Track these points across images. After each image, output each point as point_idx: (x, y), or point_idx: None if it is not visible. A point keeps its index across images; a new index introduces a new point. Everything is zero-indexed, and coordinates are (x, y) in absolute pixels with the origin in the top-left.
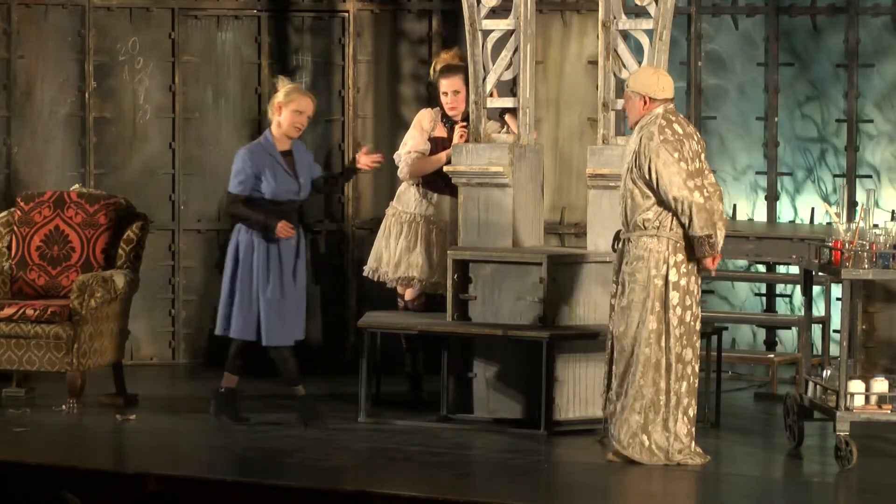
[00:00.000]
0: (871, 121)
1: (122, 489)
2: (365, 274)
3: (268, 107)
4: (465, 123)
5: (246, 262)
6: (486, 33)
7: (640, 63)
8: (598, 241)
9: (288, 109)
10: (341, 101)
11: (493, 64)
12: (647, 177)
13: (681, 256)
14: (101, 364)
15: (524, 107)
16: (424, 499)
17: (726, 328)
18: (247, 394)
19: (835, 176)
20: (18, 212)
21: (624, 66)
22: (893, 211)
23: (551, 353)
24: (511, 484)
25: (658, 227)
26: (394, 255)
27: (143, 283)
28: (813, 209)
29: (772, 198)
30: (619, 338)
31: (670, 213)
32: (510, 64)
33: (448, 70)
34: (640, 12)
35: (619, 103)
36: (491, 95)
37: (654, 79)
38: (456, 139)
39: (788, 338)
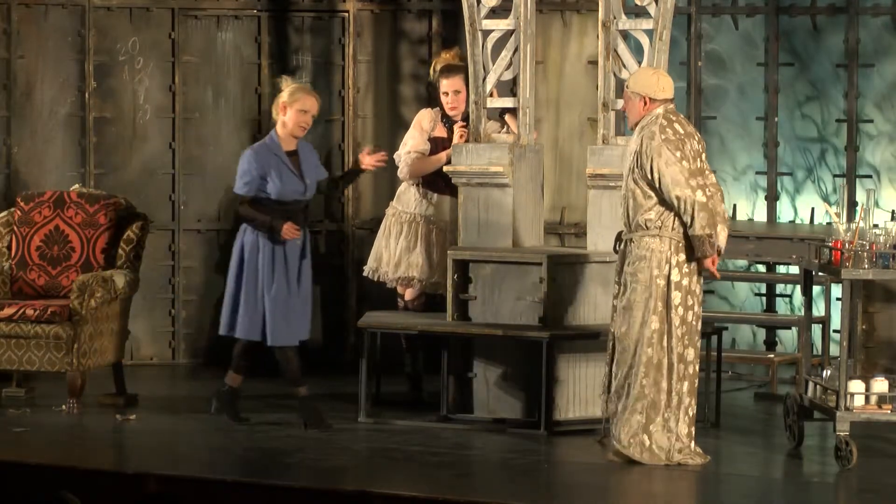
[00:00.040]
0: (871, 121)
1: (122, 489)
2: (365, 274)
3: (272, 107)
4: (464, 123)
5: (251, 262)
6: (486, 33)
7: (640, 63)
8: (598, 241)
9: (293, 109)
10: (341, 101)
11: (493, 64)
12: (649, 177)
13: (683, 256)
14: (101, 364)
15: (524, 107)
16: (424, 499)
17: (726, 328)
18: (247, 394)
19: (835, 176)
20: (18, 212)
21: (624, 66)
22: (893, 211)
23: (551, 353)
24: (511, 484)
25: (660, 227)
26: (394, 255)
27: (143, 283)
28: (813, 209)
29: (772, 198)
30: (621, 338)
31: (672, 213)
32: (510, 64)
33: (449, 70)
34: (640, 12)
35: (620, 103)
36: (491, 95)
37: (653, 79)
38: (456, 139)
39: (788, 338)
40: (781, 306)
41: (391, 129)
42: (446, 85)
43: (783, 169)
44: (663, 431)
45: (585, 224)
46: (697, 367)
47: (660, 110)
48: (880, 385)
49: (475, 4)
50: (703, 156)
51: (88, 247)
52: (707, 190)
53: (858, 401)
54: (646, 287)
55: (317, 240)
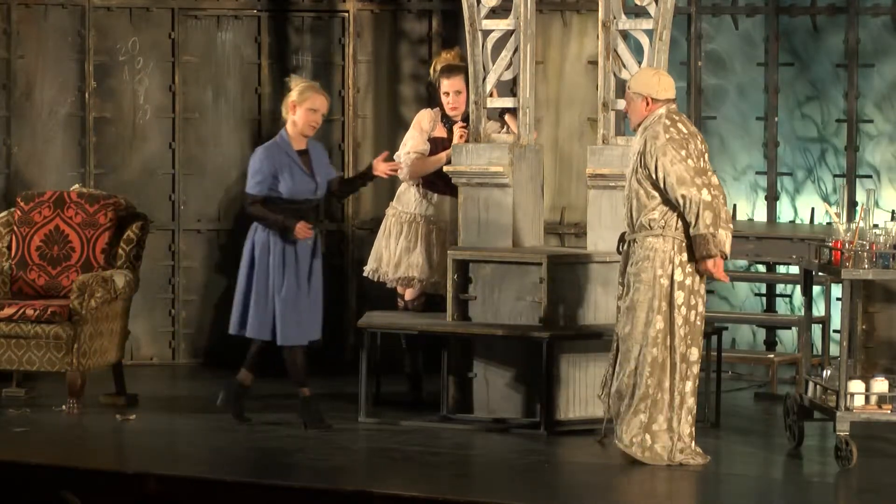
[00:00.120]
0: (871, 121)
1: (122, 489)
2: (365, 274)
3: (281, 106)
4: (464, 124)
5: (262, 261)
6: (486, 33)
7: (640, 63)
8: (598, 241)
9: (302, 108)
10: (341, 101)
11: (493, 64)
12: (653, 176)
13: (686, 256)
14: (101, 364)
15: (524, 107)
16: (424, 499)
17: (726, 328)
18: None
19: (835, 176)
20: (18, 212)
21: (624, 66)
22: (893, 211)
23: (551, 353)
24: (511, 484)
25: (664, 227)
26: (394, 255)
27: (143, 283)
28: (813, 209)
29: (772, 198)
30: (625, 338)
31: (675, 213)
32: (510, 64)
33: (449, 70)
34: (640, 12)
35: (620, 103)
36: (491, 95)
37: (655, 79)
38: (456, 139)
39: (788, 338)
40: (781, 306)
41: (391, 129)
42: (447, 85)
43: (783, 169)
44: (666, 431)
45: (585, 224)
46: (698, 368)
47: (662, 110)
48: (880, 385)
49: (475, 4)
50: (706, 156)
51: (88, 247)
52: (711, 190)
53: (858, 401)
54: (649, 287)
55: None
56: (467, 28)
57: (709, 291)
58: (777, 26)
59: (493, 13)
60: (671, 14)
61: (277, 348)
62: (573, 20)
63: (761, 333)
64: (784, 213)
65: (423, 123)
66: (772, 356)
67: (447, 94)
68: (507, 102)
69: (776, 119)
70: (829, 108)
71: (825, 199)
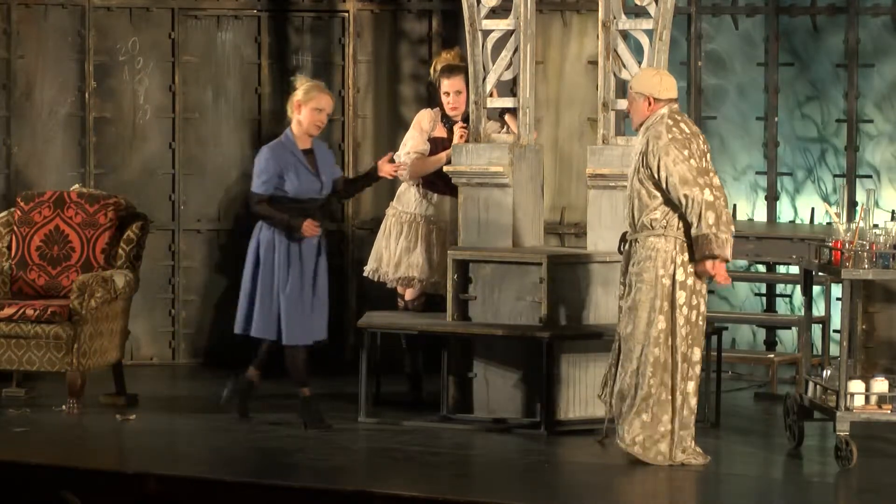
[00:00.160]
0: (871, 121)
1: (122, 489)
2: (365, 274)
3: (287, 105)
4: (465, 124)
5: (267, 260)
6: (486, 33)
7: (640, 63)
8: (598, 241)
9: (307, 107)
10: (341, 101)
11: (493, 64)
12: (655, 176)
13: (688, 256)
14: (101, 364)
15: (524, 107)
16: (424, 499)
17: (726, 328)
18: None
19: (835, 176)
20: (18, 212)
21: (624, 66)
22: (893, 211)
23: (551, 353)
24: (511, 484)
25: (665, 227)
26: (394, 255)
27: (143, 283)
28: (813, 209)
29: (772, 198)
30: (627, 338)
31: (677, 213)
32: (510, 64)
33: (450, 70)
34: (640, 12)
35: (620, 103)
36: (491, 95)
37: (656, 79)
38: (456, 139)
39: (788, 338)
40: (781, 306)
41: (391, 129)
42: (447, 85)
43: (783, 169)
44: (668, 432)
45: (585, 224)
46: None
47: (664, 110)
48: (880, 385)
49: (475, 4)
50: (708, 156)
51: (88, 247)
52: (713, 191)
53: (858, 401)
54: (651, 287)
55: None
56: (467, 28)
57: (709, 291)
58: (777, 26)
59: (493, 13)
60: (671, 14)
61: (279, 347)
62: (573, 20)
63: (761, 333)
64: (784, 213)
65: (423, 123)
66: (772, 356)
67: (447, 94)
68: (507, 102)
69: (776, 119)
70: (829, 108)
71: (825, 199)
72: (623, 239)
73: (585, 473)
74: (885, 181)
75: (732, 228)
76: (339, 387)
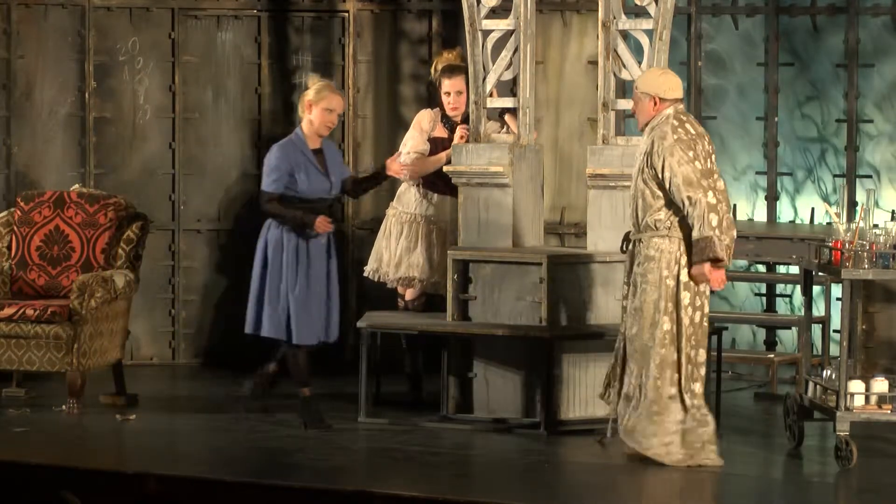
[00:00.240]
0: (871, 121)
1: (122, 489)
2: (365, 274)
3: (298, 104)
4: (466, 125)
5: (275, 259)
6: (486, 33)
7: (640, 63)
8: (598, 241)
9: (318, 108)
10: None
11: (493, 64)
12: (659, 177)
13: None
14: (101, 364)
15: (524, 107)
16: (424, 499)
17: (726, 328)
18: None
19: (835, 176)
20: (18, 212)
21: (624, 66)
22: (893, 211)
23: (551, 353)
24: (511, 484)
25: (669, 228)
26: (394, 255)
27: (143, 283)
28: (813, 209)
29: (772, 198)
30: (633, 340)
31: (680, 214)
32: (510, 64)
33: (451, 70)
34: (640, 12)
35: (620, 103)
36: (491, 95)
37: (662, 79)
38: (456, 140)
39: (788, 338)
40: (781, 306)
41: (391, 129)
42: (448, 85)
43: (783, 169)
44: (679, 433)
45: (585, 224)
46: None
47: (670, 111)
48: (880, 385)
49: (475, 4)
50: (713, 157)
51: (88, 247)
52: (716, 194)
53: (858, 401)
54: (655, 287)
55: None
56: (467, 28)
57: (711, 291)
58: (777, 26)
59: (493, 13)
60: (671, 14)
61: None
62: (573, 20)
63: (761, 333)
64: (784, 213)
65: (423, 123)
66: (772, 356)
67: (448, 94)
68: (507, 102)
69: (776, 119)
70: (829, 108)
71: (825, 199)
72: (626, 239)
73: (585, 473)
74: (885, 181)
75: (734, 233)
76: (339, 387)
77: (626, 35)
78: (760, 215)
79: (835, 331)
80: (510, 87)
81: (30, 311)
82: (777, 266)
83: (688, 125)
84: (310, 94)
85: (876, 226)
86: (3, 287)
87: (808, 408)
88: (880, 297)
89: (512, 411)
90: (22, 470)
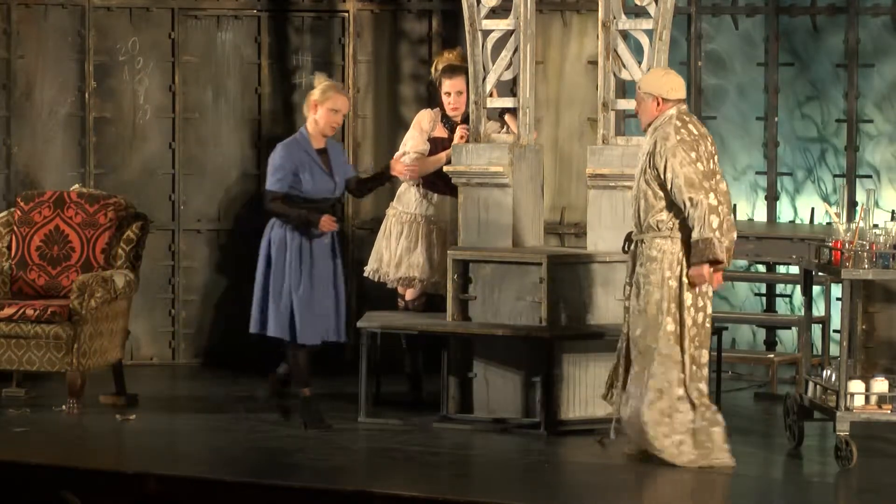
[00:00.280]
0: (871, 121)
1: (122, 489)
2: (365, 274)
3: (304, 103)
4: (467, 126)
5: (279, 258)
6: (486, 33)
7: (640, 63)
8: (598, 241)
9: (324, 108)
10: None
11: (493, 64)
12: (661, 177)
13: None
14: (101, 364)
15: (524, 107)
16: (424, 499)
17: (726, 328)
18: (248, 393)
19: (835, 176)
20: (18, 212)
21: (624, 66)
22: (893, 211)
23: (551, 353)
24: (511, 484)
25: (672, 229)
26: (394, 255)
27: (143, 283)
28: (813, 209)
29: (772, 198)
30: (637, 341)
31: (682, 215)
32: (510, 64)
33: (451, 70)
34: (640, 12)
35: (620, 103)
36: (491, 95)
37: (665, 79)
38: (456, 140)
39: (788, 338)
40: (781, 306)
41: (391, 129)
42: (448, 85)
43: (783, 169)
44: (692, 432)
45: (585, 224)
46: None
47: (672, 111)
48: (880, 385)
49: (475, 4)
50: (716, 158)
51: (88, 247)
52: (717, 195)
53: (858, 401)
54: (658, 288)
55: None
56: (467, 28)
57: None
58: (777, 26)
59: (493, 13)
60: (671, 14)
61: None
62: (573, 20)
63: (761, 333)
64: (784, 213)
65: (423, 123)
66: (772, 356)
67: (448, 94)
68: (507, 102)
69: (776, 119)
70: (829, 108)
71: (825, 199)
72: (628, 239)
73: (585, 473)
74: (885, 181)
75: (734, 235)
76: (339, 387)
77: (626, 35)
78: (760, 215)
79: (835, 331)
80: (510, 87)
81: (30, 311)
82: (777, 266)
83: (691, 126)
84: (315, 94)
85: (876, 226)
86: (3, 287)
87: (808, 408)
88: (880, 297)
89: (512, 411)
90: (22, 470)
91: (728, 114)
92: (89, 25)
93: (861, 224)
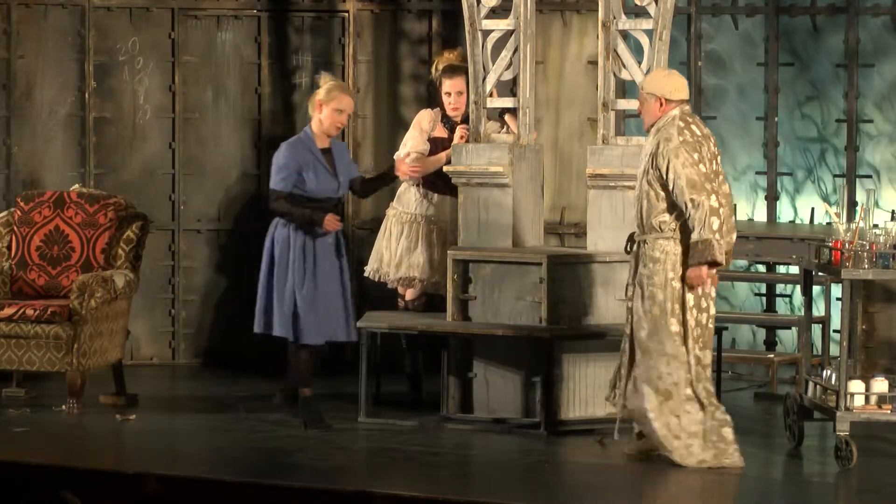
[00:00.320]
0: (871, 121)
1: (122, 489)
2: (366, 274)
3: (308, 102)
4: (467, 126)
5: (282, 258)
6: (486, 33)
7: (640, 63)
8: (598, 241)
9: (329, 108)
10: None
11: (493, 64)
12: (664, 178)
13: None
14: (101, 364)
15: (524, 107)
16: (424, 499)
17: (726, 328)
18: (248, 393)
19: (835, 176)
20: (18, 212)
21: (624, 66)
22: (893, 211)
23: (551, 353)
24: (511, 484)
25: (674, 230)
26: (395, 255)
27: (143, 283)
28: (813, 209)
29: (772, 198)
30: (643, 341)
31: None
32: (510, 64)
33: (452, 70)
34: (640, 12)
35: (620, 103)
36: (491, 95)
37: (668, 80)
38: (456, 140)
39: (788, 338)
40: (781, 306)
41: (391, 129)
42: (449, 85)
43: (783, 169)
44: (702, 433)
45: (585, 224)
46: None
47: (675, 112)
48: (880, 385)
49: (475, 4)
50: (719, 159)
51: (88, 247)
52: (719, 197)
53: (858, 401)
54: (662, 290)
55: None
56: (467, 28)
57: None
58: (777, 26)
59: (493, 13)
60: (671, 14)
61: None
62: (573, 20)
63: (761, 333)
64: (784, 213)
65: (423, 123)
66: (772, 356)
67: (448, 94)
68: (507, 102)
69: (776, 119)
70: (829, 108)
71: (825, 199)
72: (630, 240)
73: (585, 473)
74: (885, 181)
75: (733, 237)
76: (339, 387)
77: (626, 35)
78: (760, 215)
79: (835, 331)
80: (510, 87)
81: (30, 311)
82: (777, 266)
83: (694, 126)
84: (320, 94)
85: (876, 226)
86: (3, 287)
87: (808, 408)
88: (880, 297)
89: (512, 411)
90: (22, 470)
91: (728, 114)
92: (89, 25)
93: (861, 224)
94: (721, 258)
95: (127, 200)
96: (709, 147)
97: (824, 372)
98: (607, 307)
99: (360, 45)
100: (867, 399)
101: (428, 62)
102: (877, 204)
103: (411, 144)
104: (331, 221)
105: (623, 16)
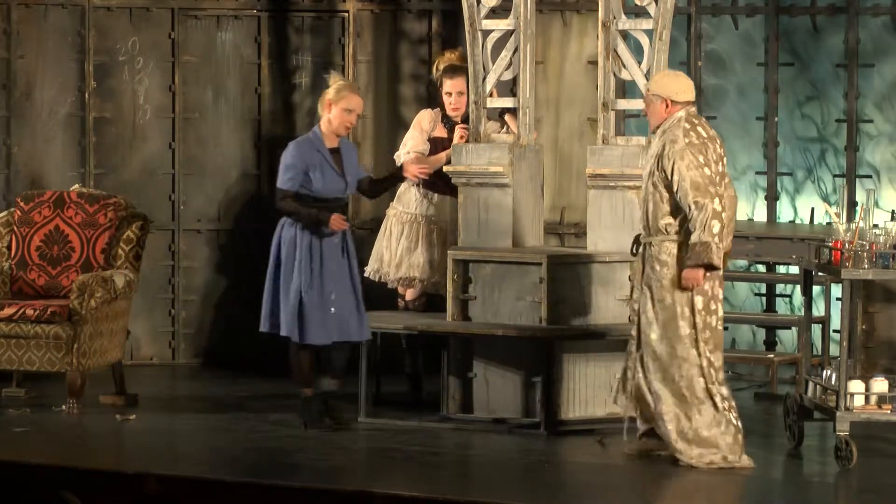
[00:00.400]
0: (871, 121)
1: (122, 489)
2: (366, 274)
3: (318, 102)
4: (466, 126)
5: (289, 258)
6: (486, 33)
7: (640, 63)
8: (598, 241)
9: (338, 107)
10: None
11: (493, 64)
12: (669, 180)
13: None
14: (101, 364)
15: (524, 107)
16: (424, 499)
17: (726, 328)
18: (248, 393)
19: (835, 176)
20: (18, 212)
21: (624, 66)
22: (893, 211)
23: (552, 353)
24: (511, 484)
25: (680, 232)
26: (395, 255)
27: (143, 283)
28: (813, 209)
29: (772, 198)
30: (653, 345)
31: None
32: (510, 64)
33: (453, 70)
34: (640, 12)
35: (620, 103)
36: (491, 95)
37: (674, 81)
38: (456, 140)
39: (788, 338)
40: (781, 306)
41: (391, 129)
42: (449, 85)
43: (783, 169)
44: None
45: (585, 224)
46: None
47: (681, 113)
48: (880, 385)
49: (475, 4)
50: (724, 160)
51: (88, 247)
52: (723, 201)
53: (858, 401)
54: (670, 293)
55: None
56: (467, 28)
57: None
58: (777, 26)
59: (493, 13)
60: (671, 14)
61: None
62: (573, 20)
63: (761, 333)
64: (784, 213)
65: (423, 123)
66: (772, 356)
67: (449, 94)
68: (507, 102)
69: (776, 119)
70: (829, 108)
71: (825, 199)
72: (636, 241)
73: (585, 473)
74: (885, 181)
75: (730, 240)
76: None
77: (626, 35)
78: (760, 215)
79: (835, 331)
80: (510, 87)
81: (30, 311)
82: (777, 266)
83: (699, 128)
84: (330, 93)
85: (876, 226)
86: (3, 287)
87: (808, 408)
88: (880, 297)
89: (512, 411)
90: (22, 470)
91: (728, 114)
92: (89, 25)
93: (861, 224)
94: (718, 262)
95: (127, 200)
96: (715, 149)
97: (824, 372)
98: (607, 307)
99: (360, 45)
100: (867, 399)
101: (428, 62)
102: (877, 204)
103: (411, 144)
104: (337, 221)
105: (623, 16)
